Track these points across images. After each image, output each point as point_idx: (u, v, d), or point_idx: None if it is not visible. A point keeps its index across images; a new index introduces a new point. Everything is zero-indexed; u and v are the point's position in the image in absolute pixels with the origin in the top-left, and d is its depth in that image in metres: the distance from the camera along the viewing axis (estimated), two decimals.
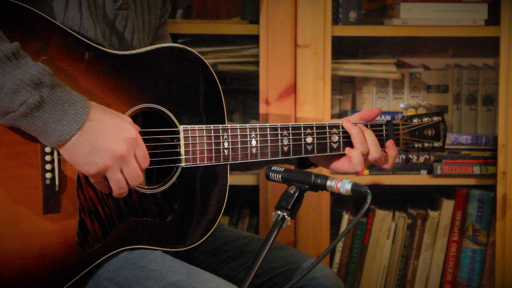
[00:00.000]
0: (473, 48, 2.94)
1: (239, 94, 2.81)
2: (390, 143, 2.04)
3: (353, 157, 1.96)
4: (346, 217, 2.80)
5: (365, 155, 1.98)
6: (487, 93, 2.80)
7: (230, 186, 1.90)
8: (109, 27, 1.82)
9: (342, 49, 2.83)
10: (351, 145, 2.00)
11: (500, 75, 2.64)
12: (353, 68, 2.79)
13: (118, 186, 1.66)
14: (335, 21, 2.67)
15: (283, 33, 2.59)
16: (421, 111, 2.14)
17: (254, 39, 2.65)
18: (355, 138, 1.98)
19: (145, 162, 1.69)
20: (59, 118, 1.58)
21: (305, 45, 2.59)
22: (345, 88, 2.85)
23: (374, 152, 1.99)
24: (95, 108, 1.63)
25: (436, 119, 2.14)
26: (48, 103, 1.57)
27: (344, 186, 1.66)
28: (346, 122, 1.99)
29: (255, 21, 2.63)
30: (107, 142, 1.62)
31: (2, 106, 1.54)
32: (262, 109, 2.61)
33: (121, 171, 1.65)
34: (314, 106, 2.61)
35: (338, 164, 2.02)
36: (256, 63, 2.65)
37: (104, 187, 1.69)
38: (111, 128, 1.63)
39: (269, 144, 1.91)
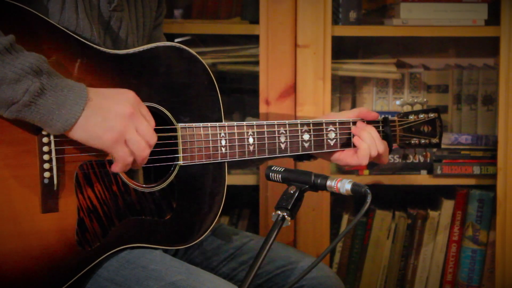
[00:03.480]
0: (473, 48, 2.94)
1: (239, 94, 2.81)
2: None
3: (362, 150, 1.96)
4: (346, 217, 2.80)
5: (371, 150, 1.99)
6: (487, 93, 2.80)
7: (230, 186, 1.91)
8: (103, 28, 1.82)
9: (342, 49, 2.83)
10: (348, 141, 2.00)
11: (500, 75, 2.64)
12: (353, 68, 2.79)
13: (140, 148, 1.66)
14: (335, 21, 2.67)
15: (283, 33, 2.59)
16: (417, 107, 2.15)
17: (254, 39, 2.65)
18: (364, 135, 1.98)
19: (152, 120, 1.71)
20: (62, 103, 1.59)
21: (305, 45, 2.59)
22: (345, 88, 2.85)
23: (380, 147, 1.99)
24: (92, 89, 1.65)
25: (432, 115, 2.15)
26: (49, 89, 1.57)
27: (344, 186, 1.66)
28: (355, 129, 2.00)
29: (255, 21, 2.63)
30: (113, 105, 1.64)
31: (5, 97, 1.55)
32: (262, 109, 2.61)
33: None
34: (314, 106, 2.61)
35: (342, 156, 2.02)
36: (256, 63, 2.65)
37: (128, 154, 1.67)
38: (111, 95, 1.65)
39: (266, 141, 1.91)
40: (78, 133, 1.62)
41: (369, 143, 1.97)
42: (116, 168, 1.69)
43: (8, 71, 1.54)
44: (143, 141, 1.67)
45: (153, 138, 1.69)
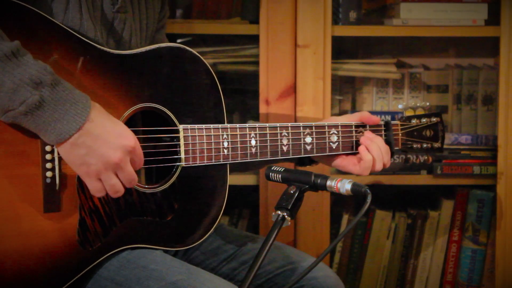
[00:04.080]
0: (473, 48, 2.94)
1: (239, 94, 2.81)
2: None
3: (366, 161, 1.96)
4: (346, 217, 2.80)
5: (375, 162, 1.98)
6: (487, 93, 2.80)
7: (230, 186, 1.90)
8: (106, 29, 1.82)
9: (342, 49, 2.83)
10: (350, 145, 2.00)
11: (500, 75, 2.64)
12: (353, 68, 2.79)
13: (114, 190, 1.66)
14: (335, 21, 2.67)
15: (283, 33, 2.59)
16: (419, 111, 2.15)
17: (254, 39, 2.65)
18: (372, 148, 1.97)
19: (140, 165, 1.70)
20: (59, 118, 1.58)
21: (305, 45, 2.59)
22: (345, 88, 2.85)
23: (386, 159, 1.99)
24: (97, 110, 1.63)
25: (434, 119, 2.15)
26: (48, 102, 1.57)
27: (344, 186, 1.66)
28: (364, 139, 1.99)
29: (255, 21, 2.63)
30: (104, 147, 1.62)
31: (2, 104, 1.54)
32: (262, 109, 2.61)
33: (116, 175, 1.66)
34: (314, 106, 2.61)
35: (344, 163, 2.01)
36: (256, 63, 2.65)
37: (98, 190, 1.66)
38: (110, 133, 1.63)
39: (268, 144, 1.91)
40: (61, 151, 1.63)
41: (376, 156, 1.96)
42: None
43: (6, 79, 1.53)
44: (119, 184, 1.66)
45: (131, 184, 1.68)
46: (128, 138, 1.65)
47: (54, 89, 1.57)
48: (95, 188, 1.66)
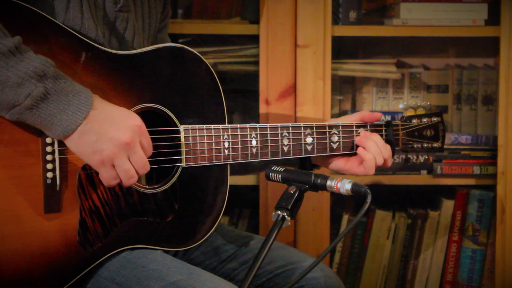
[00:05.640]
0: (473, 48, 2.94)
1: (239, 94, 2.81)
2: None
3: (368, 160, 1.96)
4: (346, 217, 2.80)
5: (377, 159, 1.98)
6: (487, 93, 2.81)
7: (230, 186, 1.91)
8: (109, 29, 1.82)
9: (342, 49, 2.83)
10: (350, 145, 2.00)
11: (500, 75, 2.64)
12: (353, 68, 2.79)
13: (128, 176, 1.66)
14: (335, 21, 2.67)
15: (283, 33, 2.59)
16: (420, 111, 2.15)
17: (254, 39, 2.65)
18: (369, 145, 1.98)
19: (150, 150, 1.70)
20: (64, 109, 1.58)
21: (305, 45, 2.59)
22: (345, 88, 2.86)
23: (385, 154, 1.99)
24: (99, 99, 1.64)
25: (435, 119, 2.15)
26: (52, 94, 1.57)
27: (344, 186, 1.66)
28: (359, 139, 2.00)
29: (255, 21, 2.63)
30: (112, 130, 1.63)
31: (7, 100, 1.55)
32: (262, 109, 2.61)
33: (129, 160, 1.66)
34: (314, 106, 2.61)
35: (348, 166, 2.01)
36: (256, 63, 2.65)
37: (112, 177, 1.67)
38: (116, 116, 1.64)
39: (269, 144, 1.91)
40: (70, 144, 1.63)
41: (375, 153, 1.97)
42: (102, 182, 1.69)
43: (11, 74, 1.54)
44: (132, 169, 1.66)
45: (144, 169, 1.68)
46: (133, 118, 1.66)
47: (56, 81, 1.58)
48: (109, 176, 1.66)
